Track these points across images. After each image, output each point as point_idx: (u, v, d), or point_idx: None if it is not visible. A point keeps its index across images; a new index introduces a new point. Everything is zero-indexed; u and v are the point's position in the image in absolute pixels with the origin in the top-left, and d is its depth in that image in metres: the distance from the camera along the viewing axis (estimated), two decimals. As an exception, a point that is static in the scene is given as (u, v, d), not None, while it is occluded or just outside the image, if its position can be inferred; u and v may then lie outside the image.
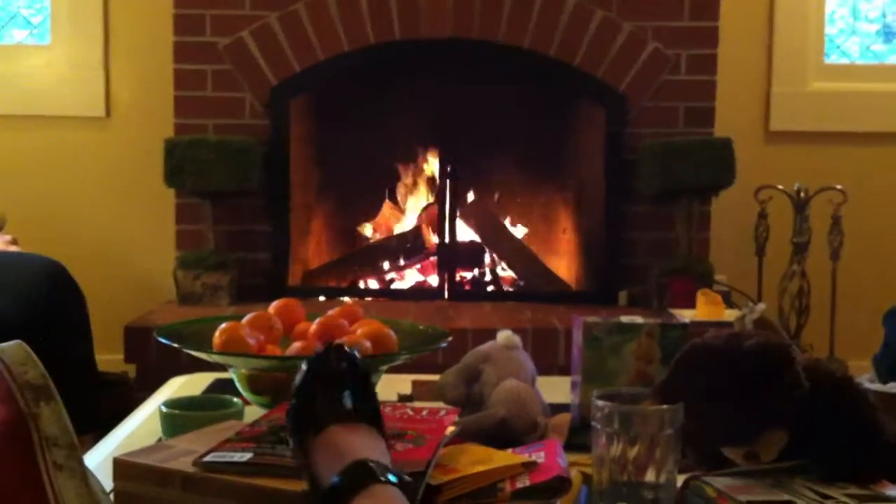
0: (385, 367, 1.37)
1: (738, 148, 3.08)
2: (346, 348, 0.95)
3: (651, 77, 3.21)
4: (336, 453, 0.83)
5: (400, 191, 3.46)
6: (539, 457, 1.01)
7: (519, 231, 3.45)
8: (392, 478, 0.80)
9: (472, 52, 3.21)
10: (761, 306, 1.35)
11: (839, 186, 3.10)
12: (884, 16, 3.62)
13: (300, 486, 0.88)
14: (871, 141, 3.48)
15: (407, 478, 0.82)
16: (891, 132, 3.47)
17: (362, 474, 0.79)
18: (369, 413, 0.90)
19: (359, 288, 3.30)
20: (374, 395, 0.93)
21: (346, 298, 3.22)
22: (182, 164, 3.01)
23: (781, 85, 3.45)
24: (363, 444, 0.85)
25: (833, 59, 3.57)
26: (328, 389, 0.90)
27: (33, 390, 0.78)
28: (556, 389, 1.44)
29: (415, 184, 3.44)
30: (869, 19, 3.62)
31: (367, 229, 3.45)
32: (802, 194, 3.08)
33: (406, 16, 3.17)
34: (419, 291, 3.30)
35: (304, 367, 0.92)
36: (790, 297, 3.10)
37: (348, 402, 0.89)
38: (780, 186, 3.13)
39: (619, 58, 3.19)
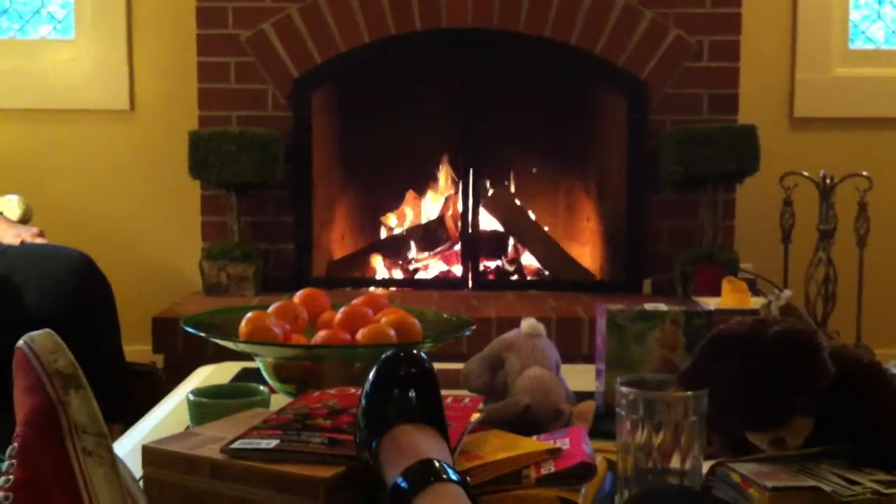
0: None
1: (762, 135, 3.06)
2: (416, 352, 0.97)
3: (673, 64, 3.19)
4: (402, 451, 0.86)
5: (423, 180, 3.46)
6: (564, 444, 1.01)
7: (542, 220, 3.45)
8: (454, 476, 0.82)
9: (492, 42, 3.20)
10: (787, 294, 1.34)
11: (865, 173, 3.07)
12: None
13: (325, 472, 0.89)
14: (898, 126, 3.45)
15: (468, 479, 0.85)
16: (917, 118, 3.44)
17: (427, 472, 0.82)
18: (435, 415, 0.92)
19: (383, 278, 3.31)
20: (440, 398, 0.95)
21: (371, 288, 3.23)
22: (206, 156, 3.02)
23: (805, 71, 3.43)
24: (428, 444, 0.87)
25: (858, 44, 3.54)
26: (398, 390, 0.92)
27: (63, 378, 0.79)
28: (581, 377, 1.44)
29: (438, 174, 3.44)
30: (894, 4, 3.58)
31: (391, 219, 3.46)
32: (828, 181, 3.06)
33: (426, 6, 3.17)
34: (443, 281, 3.31)
35: (376, 368, 0.95)
36: (816, 284, 3.08)
37: (416, 403, 0.92)
38: (806, 173, 3.10)
39: (641, 45, 3.18)
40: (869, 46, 3.55)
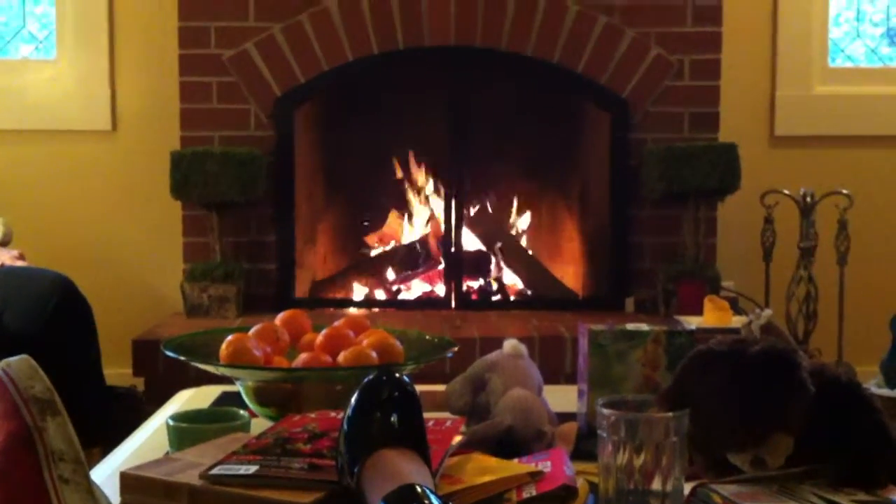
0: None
1: (742, 153, 3.08)
2: (398, 376, 0.97)
3: (654, 82, 3.21)
4: (384, 476, 0.86)
5: (405, 200, 3.46)
6: (545, 466, 1.01)
7: (524, 238, 3.45)
8: (436, 501, 0.81)
9: (475, 60, 3.21)
10: (768, 312, 1.35)
11: (845, 191, 3.09)
12: (889, 18, 3.62)
13: (306, 497, 0.89)
14: (877, 144, 3.47)
15: (450, 503, 0.84)
16: (896, 135, 3.47)
17: (409, 498, 0.81)
18: (417, 439, 0.92)
19: (366, 298, 3.30)
20: (422, 422, 0.94)
21: (353, 309, 3.22)
22: (188, 176, 3.02)
23: (786, 89, 3.45)
24: (411, 469, 0.87)
25: (838, 62, 3.57)
26: (380, 414, 0.92)
27: (39, 404, 0.79)
28: (563, 398, 1.44)
29: (420, 192, 3.45)
30: (874, 22, 3.62)
31: (374, 239, 3.46)
32: (808, 199, 3.08)
33: (409, 25, 3.18)
34: (426, 301, 3.30)
35: (358, 392, 0.94)
36: (798, 302, 3.09)
37: (398, 427, 0.91)
38: (786, 191, 3.12)
39: (623, 64, 3.20)
40: (849, 65, 3.59)
